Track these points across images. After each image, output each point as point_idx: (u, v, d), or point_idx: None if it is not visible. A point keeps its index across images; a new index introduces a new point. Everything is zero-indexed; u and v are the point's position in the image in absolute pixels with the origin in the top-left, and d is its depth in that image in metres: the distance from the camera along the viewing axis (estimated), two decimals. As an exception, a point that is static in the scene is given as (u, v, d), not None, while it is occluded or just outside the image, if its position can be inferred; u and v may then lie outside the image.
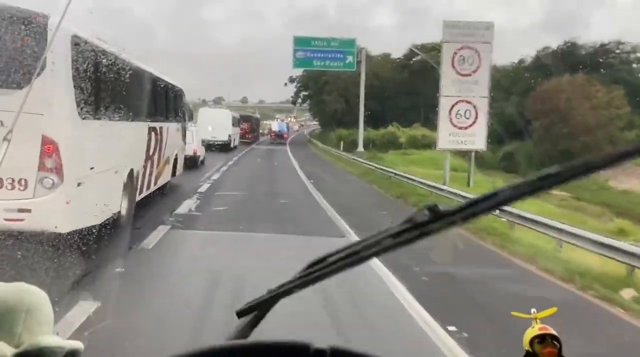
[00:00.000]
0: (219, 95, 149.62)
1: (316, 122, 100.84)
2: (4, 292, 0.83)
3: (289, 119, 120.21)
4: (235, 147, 39.25)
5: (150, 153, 11.29)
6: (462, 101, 18.52)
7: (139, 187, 10.46)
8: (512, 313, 1.59)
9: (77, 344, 0.83)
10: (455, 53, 18.44)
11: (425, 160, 31.05)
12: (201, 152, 22.76)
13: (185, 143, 16.26)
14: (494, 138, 52.18)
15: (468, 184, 19.15)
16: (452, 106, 18.56)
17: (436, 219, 0.68)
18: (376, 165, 24.02)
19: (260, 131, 66.21)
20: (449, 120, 18.59)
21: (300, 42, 35.03)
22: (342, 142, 43.26)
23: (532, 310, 1.45)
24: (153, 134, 11.46)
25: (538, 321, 1.43)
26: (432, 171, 26.26)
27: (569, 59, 48.97)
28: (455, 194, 14.99)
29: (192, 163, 19.69)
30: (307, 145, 55.46)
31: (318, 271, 0.76)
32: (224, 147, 35.16)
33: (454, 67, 18.47)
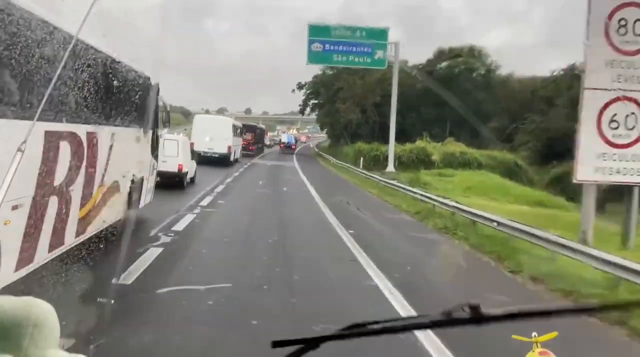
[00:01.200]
0: (223, 106, 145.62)
1: (323, 134, 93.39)
2: (12, 306, 0.82)
3: (292, 130, 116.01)
4: (236, 160, 32.59)
5: (60, 180, 5.56)
6: (624, 99, 10.24)
7: (18, 250, 4.79)
8: (513, 336, 1.44)
9: None
10: (612, 14, 10.20)
11: (487, 188, 22.50)
12: (190, 168, 16.86)
13: (156, 158, 10.98)
14: (537, 156, 43.83)
15: (624, 244, 10.76)
16: (604, 107, 10.29)
17: (475, 321, 0.70)
18: (433, 196, 15.67)
19: (267, 143, 60.81)
20: (597, 130, 10.29)
21: (317, 32, 26.90)
22: (362, 158, 34.99)
23: (533, 334, 1.36)
24: (66, 144, 5.72)
25: (539, 344, 1.36)
26: (510, 207, 17.88)
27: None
28: (629, 269, 6.93)
29: (176, 183, 15.30)
30: (317, 160, 47.22)
31: (358, 330, 0.80)
32: (223, 161, 28.76)
33: (608, 39, 10.21)
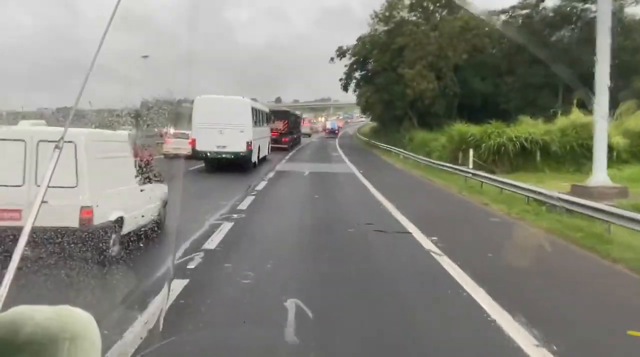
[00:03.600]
0: (252, 97, 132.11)
1: (363, 119, 77.63)
2: (46, 317, 0.70)
3: (320, 118, 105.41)
4: (263, 159, 21.70)
5: None
6: None
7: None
8: (629, 332, 1.14)
9: None
10: None
11: None
12: (125, 210, 6.09)
13: None
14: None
15: None
16: None
17: None
18: None
19: (307, 132, 53.75)
20: None
21: None
22: (470, 152, 18.80)
23: None
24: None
25: None
26: None
27: None
28: None
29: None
30: (376, 155, 31.24)
31: None
32: (242, 164, 17.69)
33: None
